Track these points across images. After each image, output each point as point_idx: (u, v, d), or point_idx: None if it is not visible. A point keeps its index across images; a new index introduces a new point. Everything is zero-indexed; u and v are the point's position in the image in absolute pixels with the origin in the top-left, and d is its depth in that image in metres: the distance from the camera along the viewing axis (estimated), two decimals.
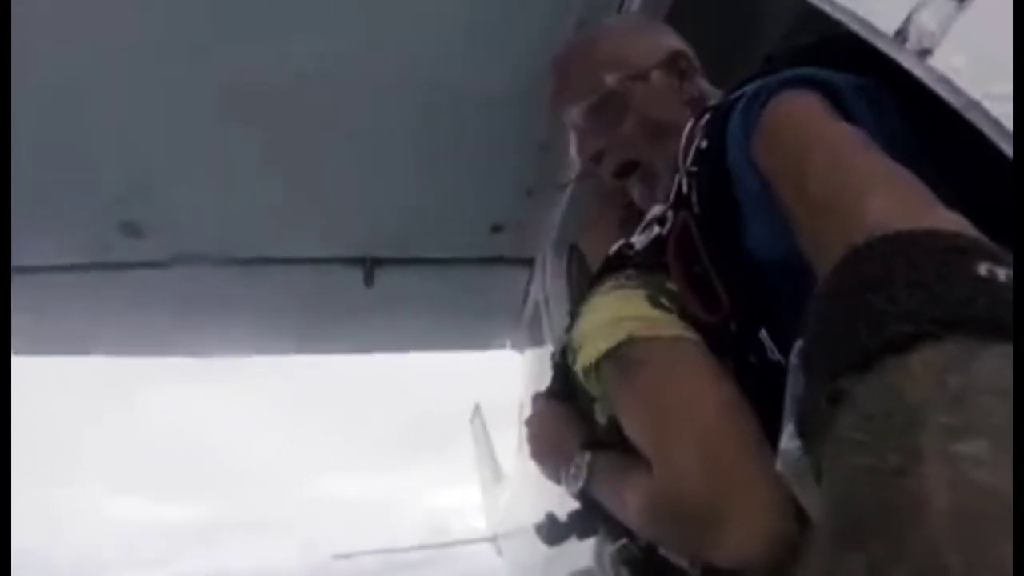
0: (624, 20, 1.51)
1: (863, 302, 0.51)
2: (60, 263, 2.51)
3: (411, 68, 1.83)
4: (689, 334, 0.90)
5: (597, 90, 1.15)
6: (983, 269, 0.49)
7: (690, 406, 0.84)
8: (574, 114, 1.19)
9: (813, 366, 0.54)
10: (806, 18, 0.97)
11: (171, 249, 2.51)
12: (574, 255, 2.54)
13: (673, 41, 1.21)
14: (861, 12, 0.82)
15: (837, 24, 0.88)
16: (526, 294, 3.09)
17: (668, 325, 0.91)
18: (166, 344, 3.34)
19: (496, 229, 2.62)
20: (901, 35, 0.76)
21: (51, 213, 2.23)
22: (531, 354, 3.49)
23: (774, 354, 0.86)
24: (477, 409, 8.30)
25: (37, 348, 3.12)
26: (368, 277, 2.70)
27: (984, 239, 0.55)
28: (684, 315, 0.92)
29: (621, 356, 0.91)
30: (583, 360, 0.96)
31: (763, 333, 0.87)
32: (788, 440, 0.55)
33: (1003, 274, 0.48)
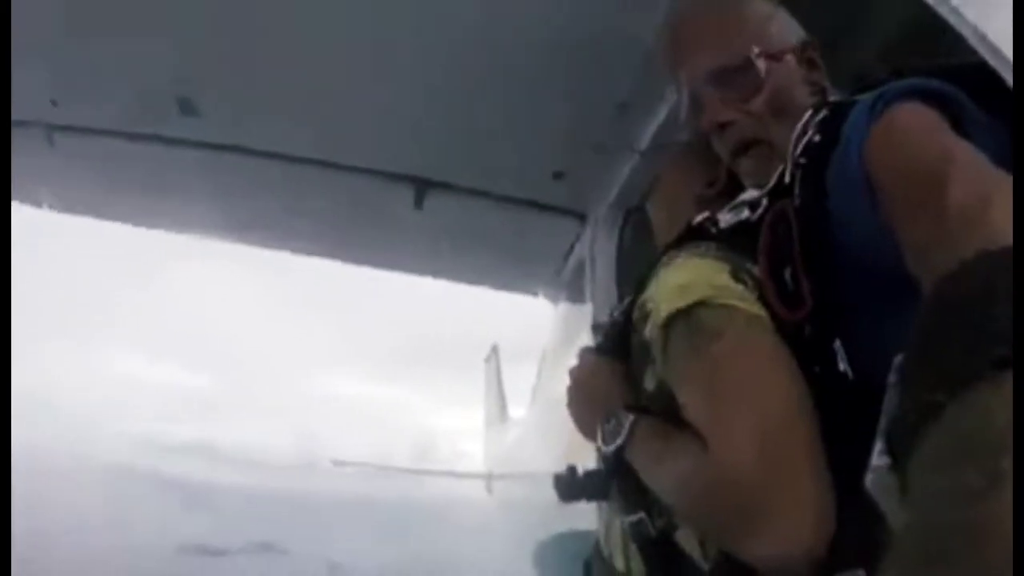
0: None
1: (964, 319, 0.51)
2: (115, 128, 2.48)
3: (502, 6, 1.74)
4: (766, 317, 0.87)
5: (736, 56, 1.10)
6: None
7: (758, 389, 0.82)
8: (700, 73, 1.13)
9: (909, 381, 0.53)
10: (920, 11, 0.97)
11: (225, 134, 2.47)
12: (630, 219, 2.47)
13: (800, 30, 1.16)
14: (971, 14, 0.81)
15: (945, 21, 0.87)
16: (571, 248, 3.01)
17: (748, 301, 0.88)
18: (203, 225, 3.34)
19: (557, 176, 2.53)
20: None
21: (113, 80, 2.20)
22: (564, 307, 3.47)
23: (844, 365, 0.84)
24: (495, 349, 8.35)
25: (70, 207, 3.14)
26: (418, 198, 2.64)
27: None
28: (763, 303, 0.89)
29: (694, 319, 0.88)
30: (655, 318, 0.93)
31: (837, 344, 0.85)
32: (878, 457, 0.54)
33: None
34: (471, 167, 2.61)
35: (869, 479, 0.55)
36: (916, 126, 0.81)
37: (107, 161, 2.66)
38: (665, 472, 0.92)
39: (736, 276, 0.91)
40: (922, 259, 0.69)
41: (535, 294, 3.73)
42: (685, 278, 0.93)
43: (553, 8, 1.73)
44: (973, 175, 0.71)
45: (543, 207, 2.80)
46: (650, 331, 0.95)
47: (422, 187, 2.64)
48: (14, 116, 2.34)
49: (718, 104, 1.12)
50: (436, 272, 3.67)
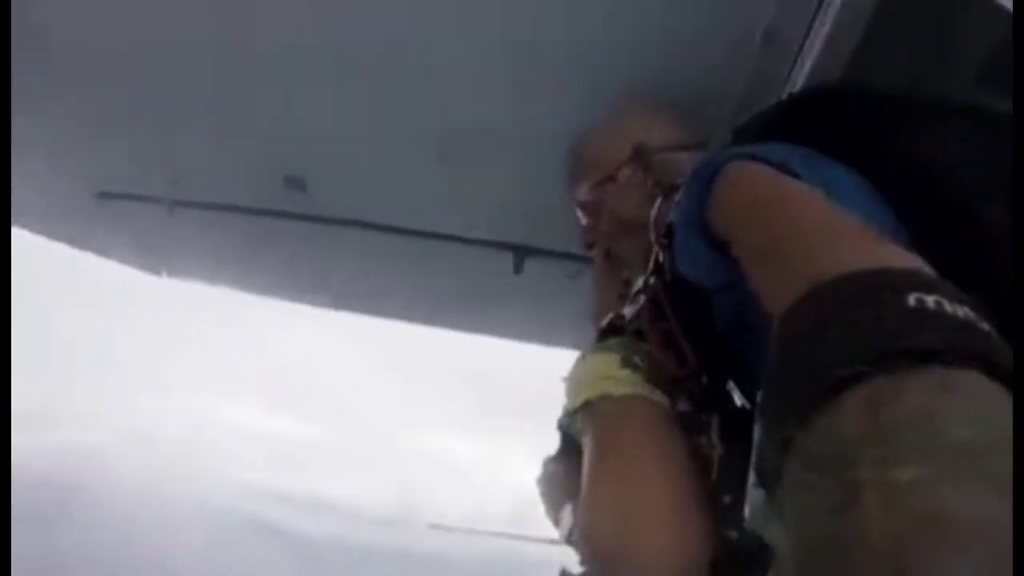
0: (614, 114, 1.56)
1: (801, 351, 0.54)
2: (228, 203, 2.60)
3: (572, 48, 1.70)
4: (643, 391, 1.01)
5: (579, 199, 1.37)
6: (912, 300, 0.50)
7: (619, 454, 0.94)
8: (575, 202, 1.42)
9: (765, 418, 0.57)
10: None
11: (331, 207, 2.54)
12: None
13: (645, 128, 1.35)
14: None
15: None
16: None
17: (626, 384, 1.01)
18: (308, 293, 3.44)
19: None
20: None
21: (222, 156, 2.35)
22: None
23: (740, 400, 1.00)
24: None
25: (188, 274, 3.29)
26: (519, 264, 2.64)
27: (920, 270, 0.56)
28: (657, 372, 1.03)
29: (586, 411, 1.03)
30: (568, 412, 1.08)
31: (730, 384, 1.02)
32: (752, 488, 0.57)
33: (931, 301, 0.50)
34: (567, 231, 2.58)
35: (747, 511, 0.58)
36: (747, 176, 0.86)
37: (221, 234, 2.79)
38: None
39: (626, 362, 1.04)
40: (767, 299, 0.71)
41: None
42: (580, 376, 1.08)
43: (650, 68, 1.68)
44: (804, 209, 0.74)
45: None
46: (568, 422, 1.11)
47: (521, 253, 2.64)
48: (138, 191, 2.57)
49: (584, 230, 1.38)
50: (540, 338, 3.64)
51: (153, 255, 3.13)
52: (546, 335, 3.60)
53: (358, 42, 1.79)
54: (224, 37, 1.84)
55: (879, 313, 0.50)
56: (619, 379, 1.02)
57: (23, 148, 2.01)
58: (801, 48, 1.46)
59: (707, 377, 1.00)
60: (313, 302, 3.51)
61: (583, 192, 1.33)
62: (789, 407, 0.51)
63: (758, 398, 0.59)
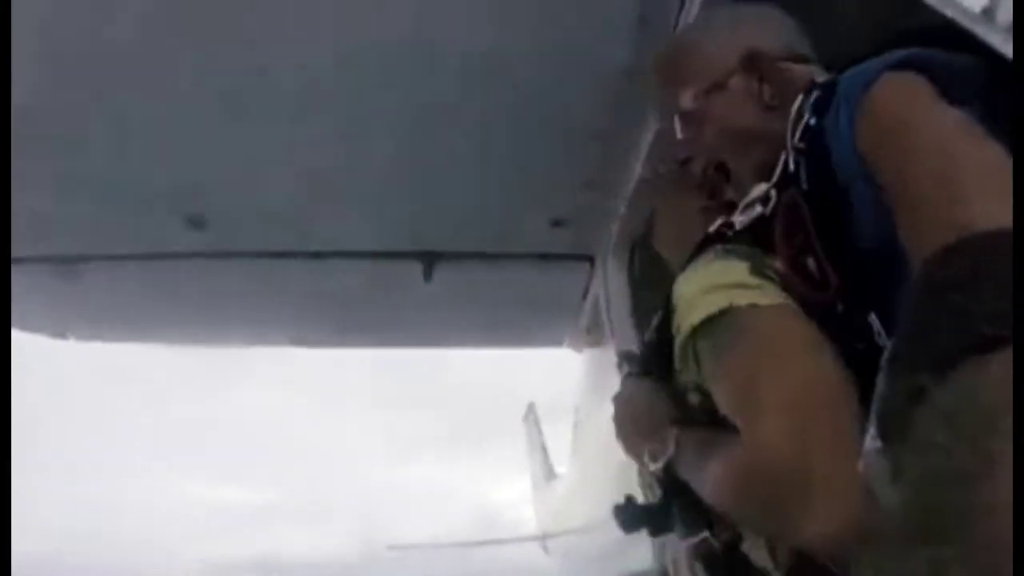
0: (711, 15, 1.41)
1: (949, 301, 0.50)
2: (124, 253, 2.56)
3: (471, 64, 1.79)
4: (792, 304, 0.87)
5: (675, 109, 1.17)
6: None
7: (785, 374, 0.82)
8: (664, 113, 1.22)
9: (897, 365, 0.53)
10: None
11: (233, 241, 2.53)
12: (636, 253, 2.48)
13: (755, 36, 1.16)
14: None
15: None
16: (586, 292, 3.02)
17: (770, 294, 0.89)
18: (224, 333, 3.41)
19: (556, 224, 2.56)
20: (989, 13, 0.74)
21: (119, 206, 2.30)
22: (589, 354, 3.45)
23: (882, 339, 0.82)
24: (531, 408, 8.28)
25: (96, 334, 3.21)
26: (427, 272, 2.68)
27: None
28: (788, 292, 0.89)
29: (718, 325, 0.89)
30: (683, 331, 0.94)
31: (872, 317, 0.84)
32: (870, 441, 0.53)
33: None
34: (473, 231, 2.65)
35: (862, 463, 0.55)
36: (902, 100, 0.80)
37: (123, 285, 2.73)
38: (709, 474, 0.92)
39: (756, 271, 0.91)
40: (911, 239, 0.68)
41: (560, 344, 3.73)
42: (704, 284, 0.94)
43: (528, 57, 1.78)
44: (960, 150, 0.70)
45: (549, 256, 2.82)
46: (682, 343, 0.96)
47: (430, 260, 2.68)
48: (24, 253, 2.41)
49: (678, 144, 1.20)
50: (457, 342, 3.69)
51: (53, 318, 3.06)
52: (457, 338, 3.65)
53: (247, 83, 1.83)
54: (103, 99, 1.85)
55: None
56: (757, 287, 0.90)
57: None
58: None
59: (845, 306, 0.86)
60: (227, 342, 3.48)
61: (686, 100, 1.15)
62: (928, 357, 0.49)
63: (889, 343, 0.56)
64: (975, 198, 0.60)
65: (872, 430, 0.53)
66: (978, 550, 0.38)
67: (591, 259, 2.81)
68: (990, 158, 0.66)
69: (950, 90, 0.80)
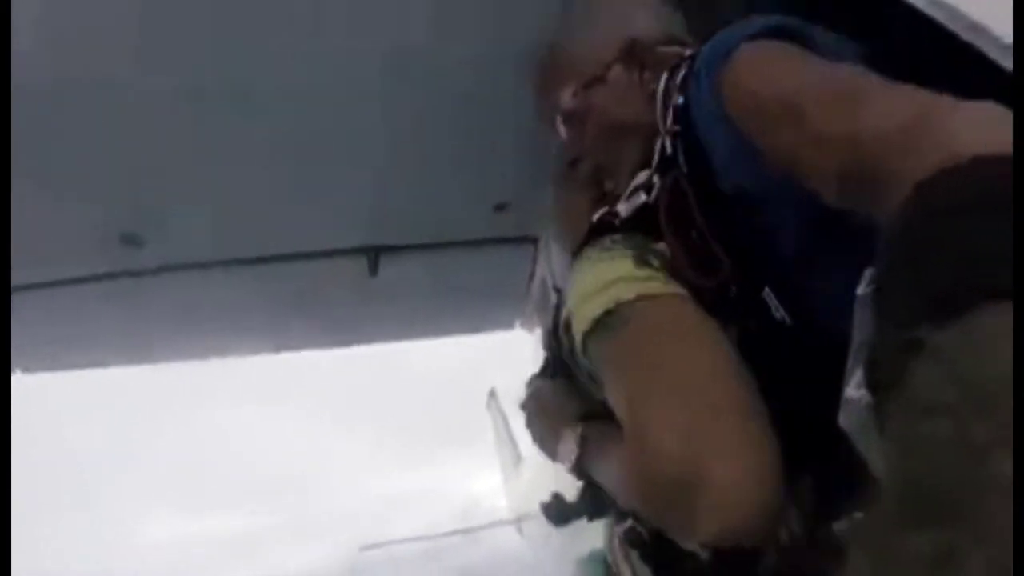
0: (588, 9, 1.37)
1: (955, 234, 0.43)
2: (62, 278, 2.50)
3: (404, 54, 1.80)
4: (679, 290, 0.86)
5: (558, 109, 1.16)
6: None
7: (669, 365, 0.80)
8: (553, 128, 1.20)
9: (888, 307, 0.47)
10: None
11: (172, 256, 2.50)
12: None
13: (632, 24, 1.14)
14: None
15: None
16: (532, 273, 3.07)
17: (656, 284, 0.87)
18: (172, 349, 3.35)
19: (499, 208, 2.59)
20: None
21: (50, 231, 2.21)
22: (540, 333, 3.48)
23: (779, 312, 0.82)
24: (492, 394, 8.27)
25: (43, 364, 3.13)
26: (373, 266, 2.68)
27: None
28: (677, 279, 0.88)
29: (605, 325, 0.86)
30: (577, 339, 0.92)
31: (767, 292, 0.83)
32: (854, 389, 0.49)
33: None
34: (416, 222, 2.65)
35: (843, 414, 0.51)
36: (775, 55, 0.79)
37: (68, 309, 2.66)
38: (606, 476, 0.92)
39: (641, 262, 0.89)
40: (845, 181, 0.65)
41: (512, 327, 3.76)
42: (591, 283, 0.91)
43: (460, 42, 1.79)
44: (857, 81, 0.69)
45: (494, 241, 2.85)
46: (579, 350, 0.94)
47: (375, 255, 2.68)
48: None
49: (567, 146, 1.21)
50: (410, 334, 3.68)
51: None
52: (409, 330, 3.65)
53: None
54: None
55: None
56: (643, 278, 0.87)
57: None
58: None
59: (737, 286, 0.84)
60: (174, 356, 3.43)
61: (566, 99, 1.13)
62: (926, 300, 0.42)
63: (867, 281, 0.51)
64: (934, 127, 0.55)
65: (857, 376, 0.49)
66: (993, 533, 0.33)
67: (535, 240, 2.85)
68: (883, 82, 0.66)
69: (814, 48, 0.80)
